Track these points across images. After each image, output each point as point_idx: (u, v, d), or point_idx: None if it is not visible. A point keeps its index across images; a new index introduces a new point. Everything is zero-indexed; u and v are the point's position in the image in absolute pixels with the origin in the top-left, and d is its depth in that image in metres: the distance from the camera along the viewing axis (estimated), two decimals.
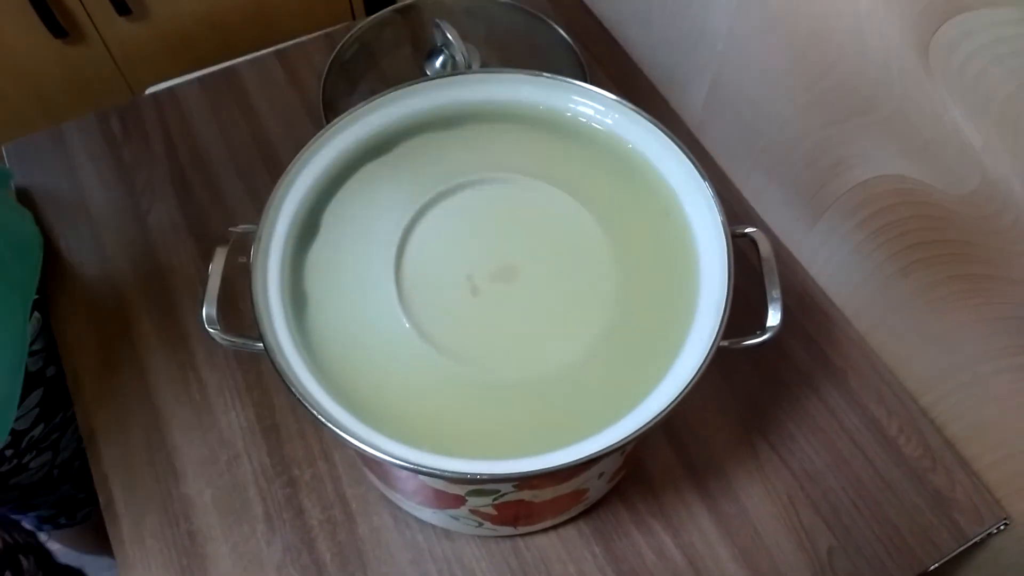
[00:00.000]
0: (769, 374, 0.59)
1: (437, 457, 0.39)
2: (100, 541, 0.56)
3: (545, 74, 0.50)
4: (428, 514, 0.52)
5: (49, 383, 0.60)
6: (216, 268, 0.45)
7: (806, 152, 0.58)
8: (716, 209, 0.44)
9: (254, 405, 0.58)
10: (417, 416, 0.42)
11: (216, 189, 0.68)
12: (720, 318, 0.41)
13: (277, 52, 0.78)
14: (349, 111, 0.49)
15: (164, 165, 0.70)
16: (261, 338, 0.42)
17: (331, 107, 0.67)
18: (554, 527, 0.53)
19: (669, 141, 0.47)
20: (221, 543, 0.54)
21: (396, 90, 0.49)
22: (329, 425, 0.39)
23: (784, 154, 0.60)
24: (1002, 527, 0.54)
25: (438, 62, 0.67)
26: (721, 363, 0.39)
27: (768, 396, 0.59)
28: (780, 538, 0.53)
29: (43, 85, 1.03)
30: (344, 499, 0.55)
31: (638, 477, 0.55)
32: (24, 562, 0.65)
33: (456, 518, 0.50)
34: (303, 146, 0.47)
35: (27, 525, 0.76)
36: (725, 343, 0.41)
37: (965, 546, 0.53)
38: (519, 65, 0.70)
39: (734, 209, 0.67)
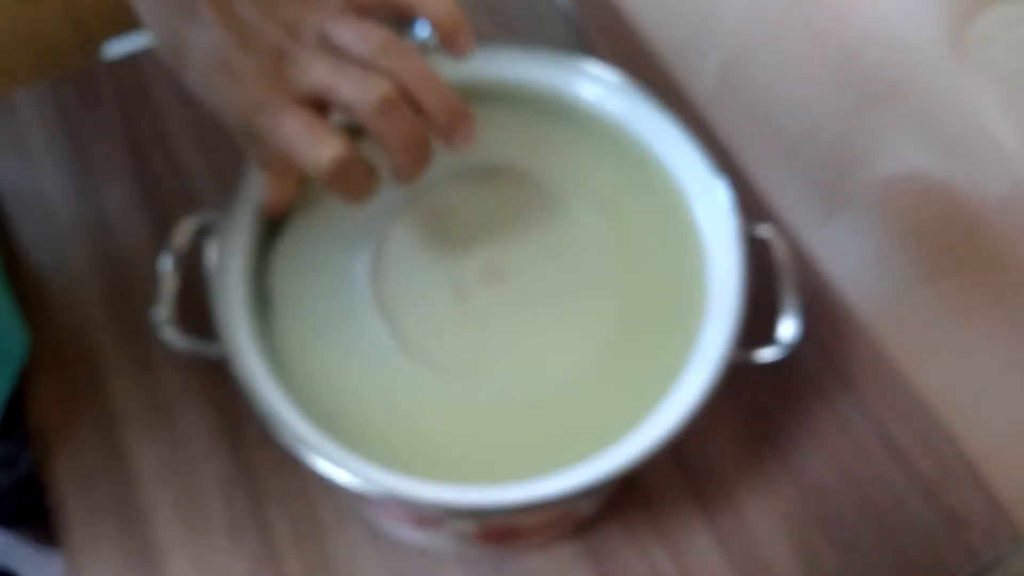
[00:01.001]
0: (775, 380, 0.56)
1: (413, 482, 0.35)
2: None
3: (544, 50, 0.45)
4: (406, 532, 0.48)
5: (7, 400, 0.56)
6: (171, 264, 0.40)
7: (824, 142, 0.54)
8: (731, 212, 0.40)
9: (217, 406, 0.54)
10: (394, 433, 0.38)
11: (177, 167, 0.63)
12: (731, 335, 0.37)
13: None
14: None
15: (122, 140, 0.64)
16: (219, 344, 0.37)
17: None
18: (543, 546, 0.50)
19: (681, 133, 0.42)
20: (180, 555, 0.50)
21: None
22: (299, 448, 0.35)
23: (800, 143, 0.56)
24: (1016, 547, 0.51)
25: (426, 31, 0.62)
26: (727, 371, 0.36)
27: (775, 404, 0.55)
28: (784, 558, 0.50)
29: None
30: (315, 512, 0.51)
31: (634, 491, 0.52)
32: None
33: (436, 537, 0.46)
34: None
35: None
36: (736, 359, 0.38)
37: (977, 567, 0.51)
38: (513, 35, 0.65)
39: (743, 198, 0.62)
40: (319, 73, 0.32)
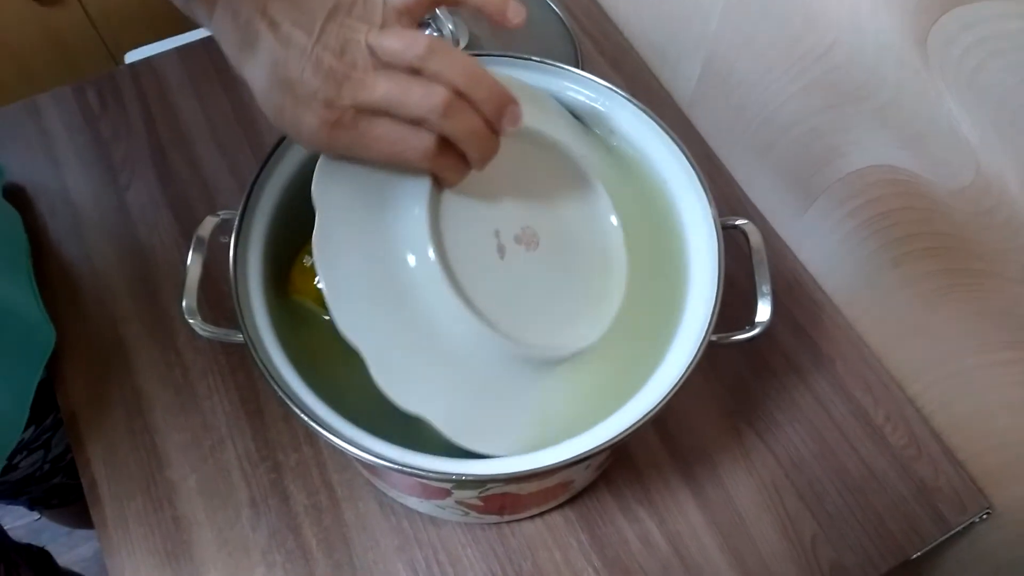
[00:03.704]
0: (756, 361, 0.59)
1: (420, 456, 0.38)
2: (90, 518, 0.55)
3: (534, 58, 0.48)
4: (414, 502, 0.52)
5: (39, 387, 0.59)
6: (195, 257, 0.44)
7: (798, 137, 0.57)
8: (708, 205, 0.43)
9: (238, 388, 0.58)
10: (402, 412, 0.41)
11: (197, 165, 0.67)
12: (710, 315, 0.41)
13: None
14: None
15: (143, 140, 0.68)
16: (241, 332, 0.41)
17: None
18: (540, 514, 0.53)
19: (662, 131, 0.46)
20: (206, 528, 0.54)
21: None
22: (315, 426, 0.38)
23: (776, 138, 0.59)
24: (984, 516, 0.54)
25: (446, 28, 0.64)
26: (708, 350, 0.39)
27: (755, 383, 0.58)
28: (764, 526, 0.53)
29: (22, 50, 1.01)
30: (330, 484, 0.55)
31: (624, 464, 0.55)
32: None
33: (442, 507, 0.50)
34: None
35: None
36: (714, 338, 0.41)
37: (948, 535, 0.54)
38: (510, 40, 0.68)
39: (724, 192, 0.66)
40: (383, 91, 0.35)
